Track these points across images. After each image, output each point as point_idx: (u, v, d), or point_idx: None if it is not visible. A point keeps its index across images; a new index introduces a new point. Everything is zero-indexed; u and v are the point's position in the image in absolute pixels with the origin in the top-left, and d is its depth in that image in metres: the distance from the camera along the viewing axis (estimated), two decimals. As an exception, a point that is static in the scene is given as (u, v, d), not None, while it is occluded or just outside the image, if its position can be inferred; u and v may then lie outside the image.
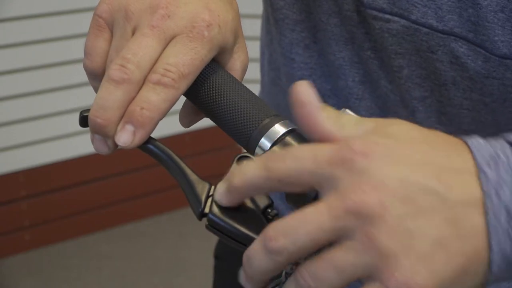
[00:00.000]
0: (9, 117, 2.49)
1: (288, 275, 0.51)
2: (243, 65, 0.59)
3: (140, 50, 0.52)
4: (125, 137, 0.52)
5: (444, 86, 0.70)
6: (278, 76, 0.83)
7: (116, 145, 0.53)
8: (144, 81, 0.52)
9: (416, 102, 0.73)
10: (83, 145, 2.59)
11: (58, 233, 2.72)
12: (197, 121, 0.60)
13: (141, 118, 0.51)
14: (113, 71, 0.51)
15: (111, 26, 0.55)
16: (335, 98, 0.78)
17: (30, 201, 2.63)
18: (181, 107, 0.59)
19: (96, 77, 0.55)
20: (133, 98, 0.52)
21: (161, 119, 0.52)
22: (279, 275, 0.52)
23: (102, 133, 0.52)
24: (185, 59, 0.52)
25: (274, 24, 0.79)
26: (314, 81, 0.78)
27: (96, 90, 0.55)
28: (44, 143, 2.58)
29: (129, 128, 0.52)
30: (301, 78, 0.78)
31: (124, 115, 0.52)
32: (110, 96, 0.51)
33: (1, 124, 2.49)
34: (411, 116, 0.74)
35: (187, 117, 0.60)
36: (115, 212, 2.84)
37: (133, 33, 0.54)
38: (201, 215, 0.52)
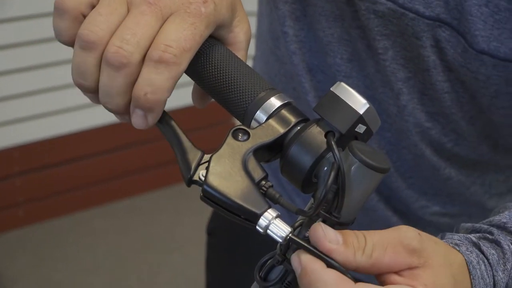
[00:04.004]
0: (3, 93, 2.48)
1: (282, 247, 0.51)
2: (247, 36, 0.59)
3: (139, 29, 0.51)
4: (139, 122, 0.53)
5: (427, 71, 0.71)
6: (277, 46, 0.83)
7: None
8: (144, 59, 0.51)
9: (400, 83, 0.73)
10: (77, 120, 2.58)
11: (52, 210, 2.72)
12: (210, 100, 0.60)
13: (147, 103, 0.51)
14: (111, 54, 0.50)
15: None
16: (322, 74, 0.78)
17: (24, 177, 2.63)
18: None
19: (63, 15, 0.53)
20: (136, 78, 0.51)
21: (169, 96, 0.52)
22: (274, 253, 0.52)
23: (120, 115, 0.54)
24: (186, 34, 0.52)
25: None
26: (303, 55, 0.78)
27: (57, 28, 0.53)
28: (38, 119, 2.57)
29: (139, 112, 0.52)
30: (293, 52, 0.79)
31: (131, 99, 0.52)
32: (113, 83, 0.51)
33: (-5, 100, 2.48)
34: (396, 99, 0.74)
35: (201, 98, 0.60)
36: (110, 188, 2.83)
37: (127, 3, 0.52)
38: (190, 181, 0.52)
